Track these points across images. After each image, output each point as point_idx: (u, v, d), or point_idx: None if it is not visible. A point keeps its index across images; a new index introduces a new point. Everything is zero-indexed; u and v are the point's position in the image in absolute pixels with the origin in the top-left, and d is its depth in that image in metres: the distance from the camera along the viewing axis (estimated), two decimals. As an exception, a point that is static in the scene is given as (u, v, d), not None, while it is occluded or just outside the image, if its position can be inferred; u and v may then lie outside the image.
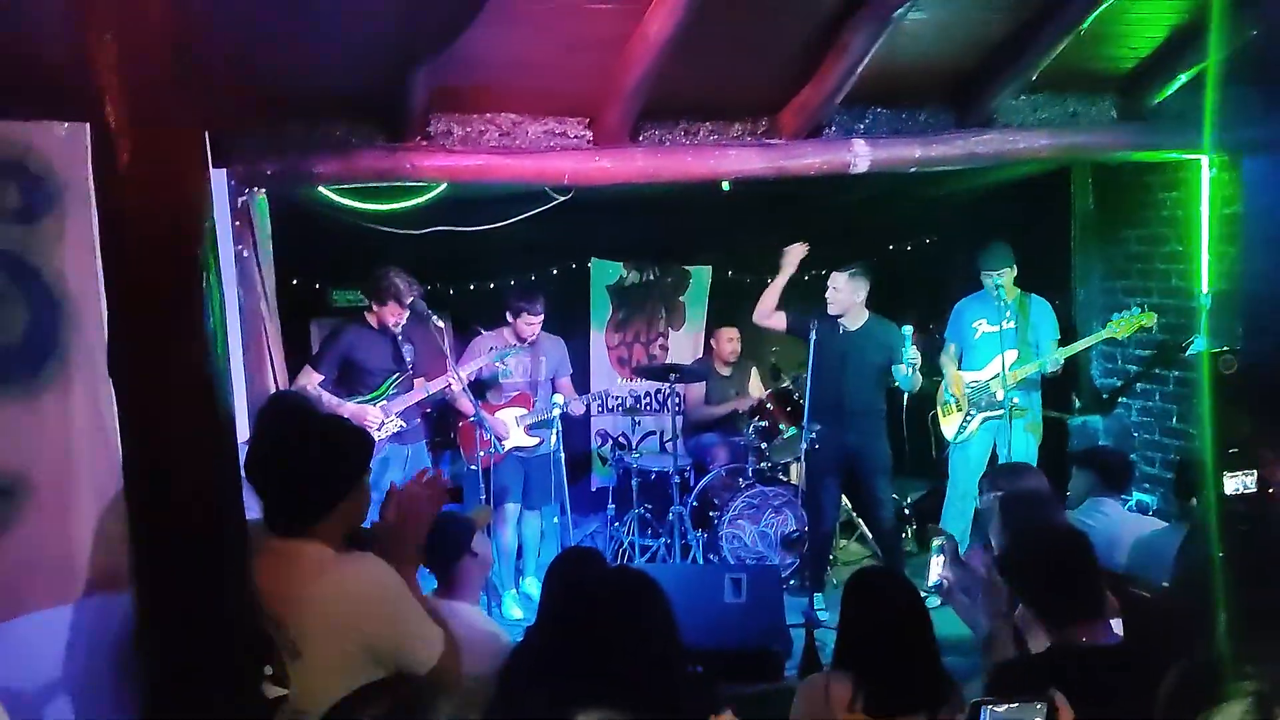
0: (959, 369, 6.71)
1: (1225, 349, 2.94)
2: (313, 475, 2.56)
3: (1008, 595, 3.02)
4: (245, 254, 4.89)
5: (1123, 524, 4.35)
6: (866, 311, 6.43)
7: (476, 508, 4.54)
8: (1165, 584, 3.68)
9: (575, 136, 5.32)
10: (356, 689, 1.89)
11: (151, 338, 2.11)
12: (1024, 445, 6.38)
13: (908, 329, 6.17)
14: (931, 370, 7.10)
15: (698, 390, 7.62)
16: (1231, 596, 2.56)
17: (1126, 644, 2.75)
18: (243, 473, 2.39)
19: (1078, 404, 7.41)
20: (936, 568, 3.77)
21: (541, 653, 2.91)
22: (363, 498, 2.67)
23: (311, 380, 5.76)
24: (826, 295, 6.41)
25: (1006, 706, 2.11)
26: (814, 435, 6.28)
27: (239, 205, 4.87)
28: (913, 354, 6.14)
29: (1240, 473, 2.90)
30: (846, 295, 6.37)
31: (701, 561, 6.71)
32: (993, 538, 3.71)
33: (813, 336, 6.28)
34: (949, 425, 6.76)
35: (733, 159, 5.47)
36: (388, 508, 2.71)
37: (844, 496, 7.31)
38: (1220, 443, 2.96)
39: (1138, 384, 7.05)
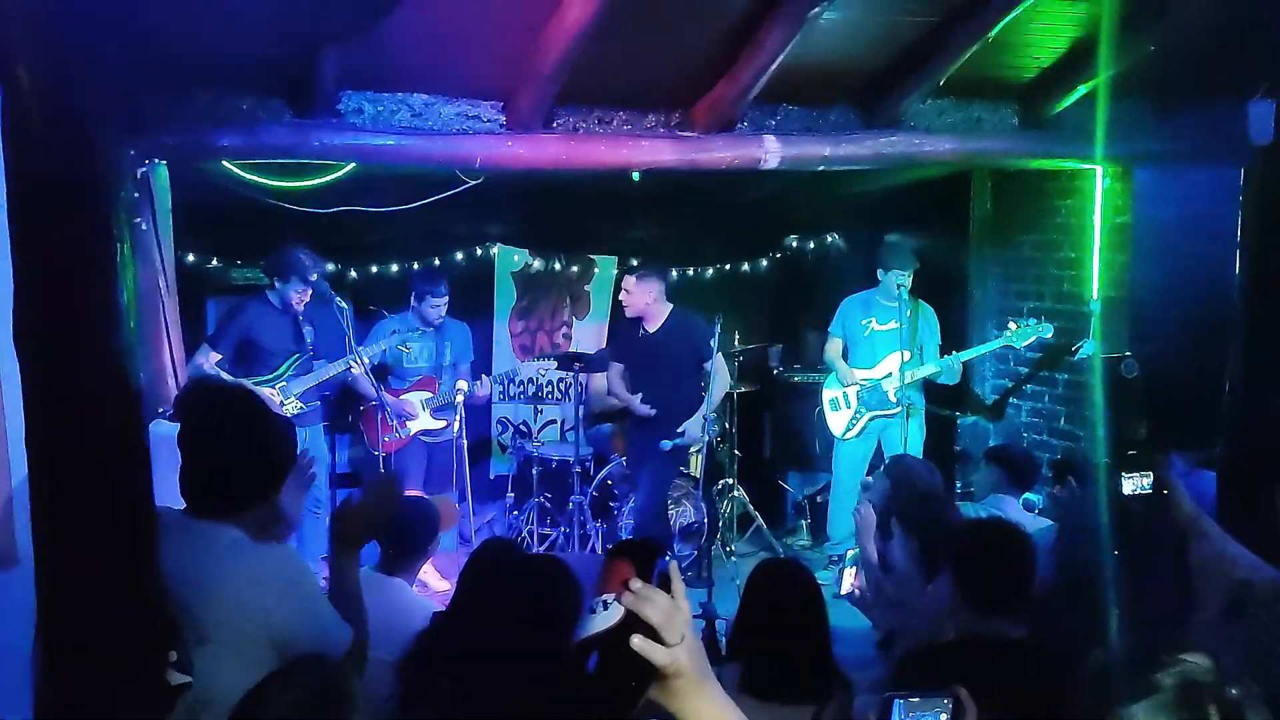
0: (847, 365, 6.81)
1: (1127, 354, 3.05)
2: (258, 464, 2.54)
3: (920, 586, 3.09)
4: (144, 227, 4.73)
5: (1018, 522, 4.48)
6: (665, 311, 6.46)
7: (446, 503, 4.61)
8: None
9: (489, 120, 5.25)
10: (272, 673, 1.84)
11: (62, 309, 2.03)
12: (912, 443, 6.51)
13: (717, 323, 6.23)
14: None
15: (600, 380, 7.62)
16: (1126, 592, 2.66)
17: (1026, 638, 2.84)
18: (177, 448, 2.34)
19: (965, 410, 7.59)
20: (849, 578, 3.85)
21: (451, 640, 2.88)
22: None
23: (209, 359, 5.61)
24: (620, 298, 6.43)
25: (911, 699, 2.13)
26: (714, 428, 6.35)
27: (138, 176, 4.71)
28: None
29: (1137, 474, 3.01)
30: (637, 297, 6.42)
31: (601, 551, 6.71)
32: (894, 536, 3.77)
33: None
34: (837, 421, 6.85)
35: (645, 150, 5.47)
36: (362, 496, 2.78)
37: (740, 489, 7.42)
38: (1118, 444, 3.07)
39: (1027, 385, 7.25)
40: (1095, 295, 6.49)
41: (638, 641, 1.30)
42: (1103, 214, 6.49)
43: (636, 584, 1.33)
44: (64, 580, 2.06)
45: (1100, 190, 6.48)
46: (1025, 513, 4.76)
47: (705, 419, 6.39)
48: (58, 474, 2.05)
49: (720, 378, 6.43)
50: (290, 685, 1.72)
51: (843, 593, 4.05)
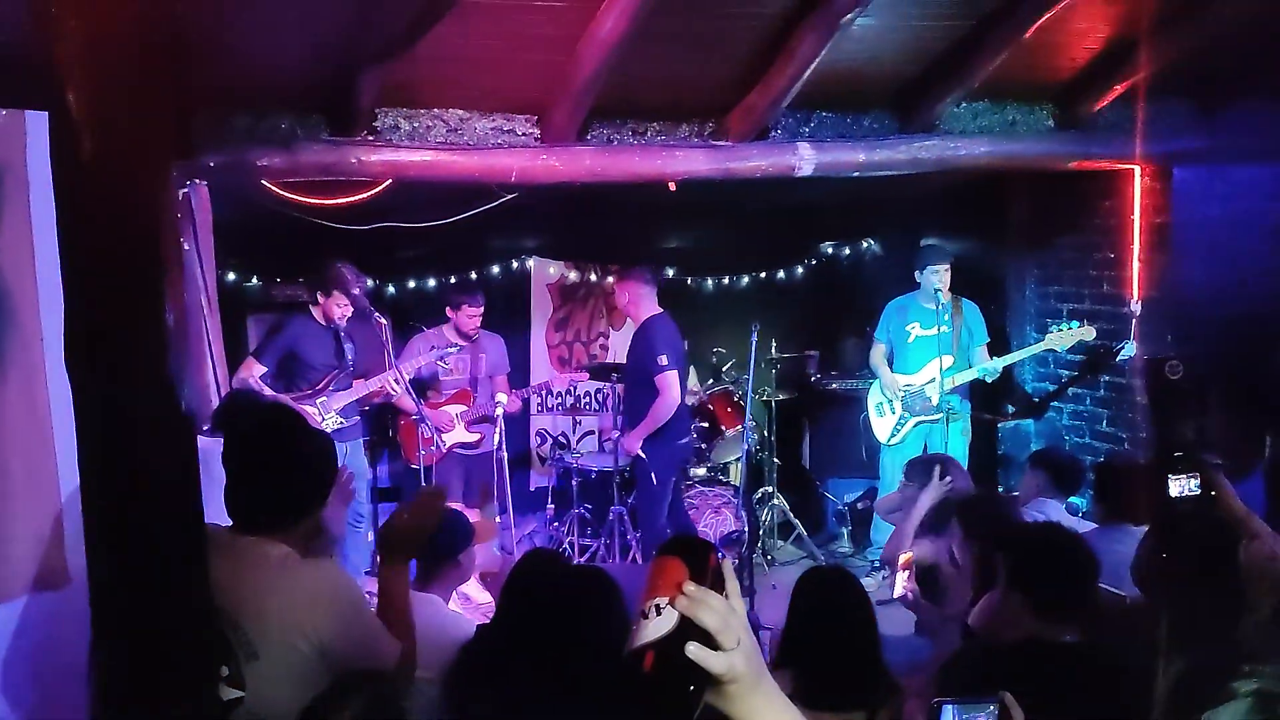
0: (891, 371, 6.79)
1: (1171, 355, 3.02)
2: (301, 481, 2.56)
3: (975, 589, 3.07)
4: (186, 247, 4.79)
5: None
6: (646, 315, 6.42)
7: (485, 518, 4.62)
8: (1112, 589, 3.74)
9: (523, 134, 5.29)
10: (325, 689, 1.86)
11: (111, 329, 2.06)
12: (957, 448, 6.47)
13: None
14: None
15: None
16: (1185, 598, 2.64)
17: (1083, 643, 2.81)
18: (222, 466, 2.37)
19: (1010, 409, 7.53)
20: (902, 581, 3.83)
21: (495, 652, 2.88)
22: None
23: (253, 372, 5.68)
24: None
25: (956, 705, 2.11)
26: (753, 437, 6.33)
27: (180, 197, 4.77)
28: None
29: (1184, 476, 2.98)
30: (619, 295, 6.48)
31: (641, 562, 6.71)
32: (955, 536, 3.74)
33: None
34: (881, 427, 6.84)
35: (680, 160, 5.48)
36: (409, 508, 2.83)
37: (780, 497, 7.41)
38: (1165, 446, 3.05)
39: (1070, 388, 7.19)
40: (1136, 296, 6.42)
41: (694, 650, 1.22)
42: (1142, 214, 6.43)
43: (690, 587, 1.26)
44: (117, 598, 2.09)
45: (1139, 190, 6.42)
46: (1069, 516, 4.71)
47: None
48: (109, 492, 2.08)
49: (664, 398, 6.18)
50: (344, 700, 1.73)
51: (895, 595, 4.01)
